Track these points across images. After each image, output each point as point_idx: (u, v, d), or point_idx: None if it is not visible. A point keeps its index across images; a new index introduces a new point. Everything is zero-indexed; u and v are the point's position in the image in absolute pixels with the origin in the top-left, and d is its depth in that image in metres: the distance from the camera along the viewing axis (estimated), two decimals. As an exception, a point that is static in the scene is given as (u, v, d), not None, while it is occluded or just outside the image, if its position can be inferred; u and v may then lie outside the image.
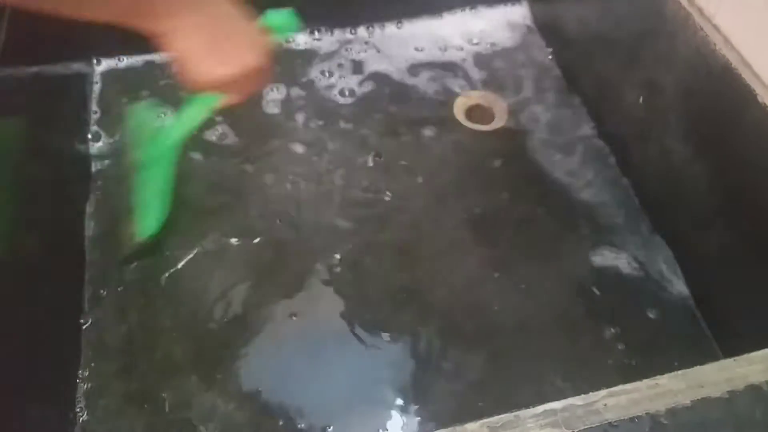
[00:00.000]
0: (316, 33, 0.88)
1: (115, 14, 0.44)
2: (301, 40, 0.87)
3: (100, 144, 0.76)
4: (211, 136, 0.77)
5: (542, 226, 0.71)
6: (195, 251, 0.67)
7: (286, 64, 0.84)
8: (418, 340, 0.61)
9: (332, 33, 0.88)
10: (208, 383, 0.58)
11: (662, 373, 0.36)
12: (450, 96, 0.83)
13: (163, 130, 0.63)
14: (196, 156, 0.74)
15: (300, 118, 0.79)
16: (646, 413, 0.34)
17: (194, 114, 0.58)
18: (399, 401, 0.58)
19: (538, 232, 0.70)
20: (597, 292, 0.65)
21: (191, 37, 0.47)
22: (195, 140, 0.72)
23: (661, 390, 0.35)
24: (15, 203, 0.54)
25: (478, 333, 0.62)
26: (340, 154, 0.76)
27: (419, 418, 0.57)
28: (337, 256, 0.67)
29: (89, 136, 0.76)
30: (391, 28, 0.90)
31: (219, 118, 0.77)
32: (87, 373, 0.58)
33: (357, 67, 0.85)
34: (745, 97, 0.54)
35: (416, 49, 0.88)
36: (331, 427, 0.56)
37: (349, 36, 0.89)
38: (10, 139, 0.57)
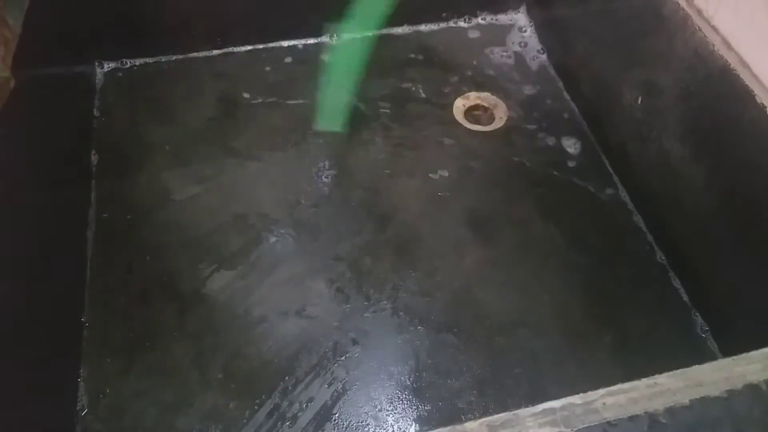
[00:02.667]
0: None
1: None
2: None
3: (101, 145, 0.76)
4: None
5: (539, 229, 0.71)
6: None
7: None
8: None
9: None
10: (209, 383, 0.58)
11: (661, 372, 0.36)
12: (450, 97, 0.83)
13: None
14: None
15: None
16: (645, 412, 0.34)
17: None
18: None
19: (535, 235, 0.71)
20: (594, 294, 0.66)
21: None
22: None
23: (660, 389, 0.35)
24: (17, 204, 0.55)
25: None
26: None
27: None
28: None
29: (91, 137, 0.76)
30: (395, 30, 0.91)
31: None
32: (88, 372, 0.59)
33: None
34: (744, 97, 0.54)
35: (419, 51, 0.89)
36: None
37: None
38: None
